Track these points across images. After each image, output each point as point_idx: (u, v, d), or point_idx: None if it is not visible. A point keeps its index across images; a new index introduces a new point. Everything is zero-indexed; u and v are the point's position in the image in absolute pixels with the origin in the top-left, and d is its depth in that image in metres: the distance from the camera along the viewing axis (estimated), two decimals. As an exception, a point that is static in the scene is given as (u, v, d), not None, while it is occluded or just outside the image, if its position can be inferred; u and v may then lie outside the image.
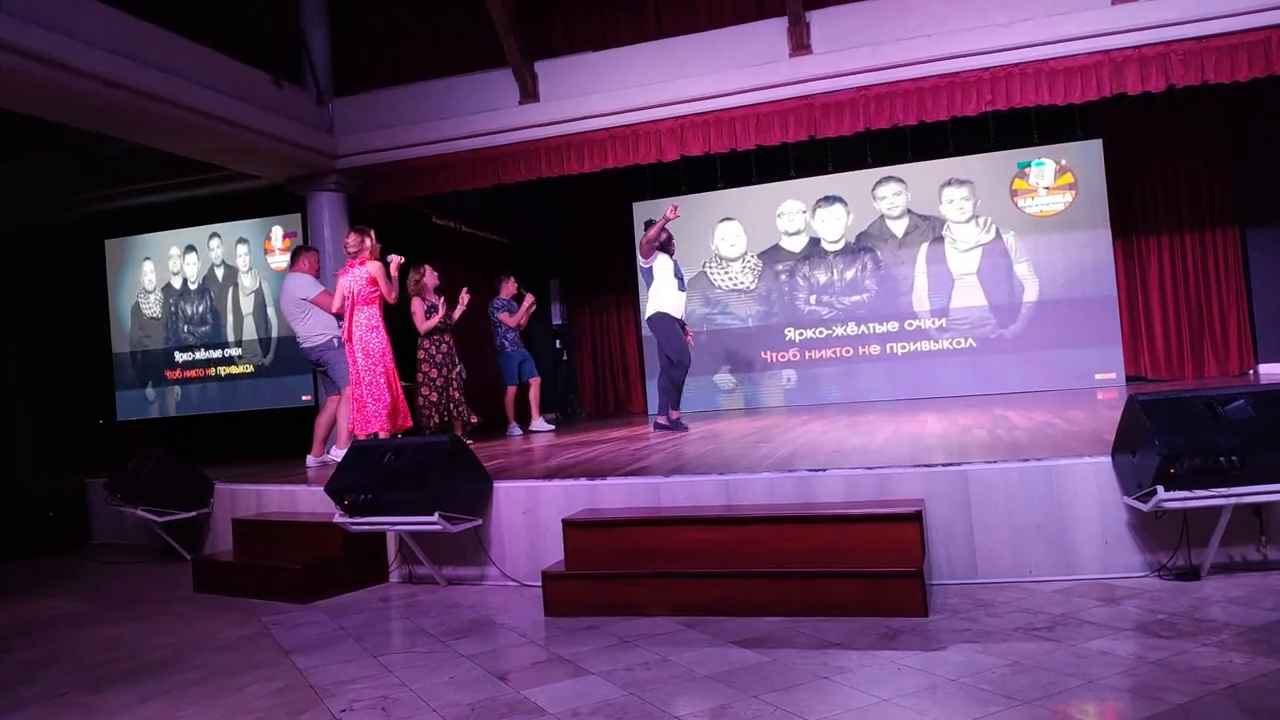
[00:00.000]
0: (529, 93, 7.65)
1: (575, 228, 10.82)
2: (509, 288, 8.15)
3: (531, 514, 4.31)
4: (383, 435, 5.68)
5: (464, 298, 7.33)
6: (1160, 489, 3.28)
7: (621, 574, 3.68)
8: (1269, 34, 6.22)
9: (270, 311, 9.56)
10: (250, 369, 9.58)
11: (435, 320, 7.08)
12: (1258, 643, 2.71)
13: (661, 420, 6.94)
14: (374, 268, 5.77)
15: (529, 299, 8.11)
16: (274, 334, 9.51)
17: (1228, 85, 6.53)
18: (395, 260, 5.94)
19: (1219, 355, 9.05)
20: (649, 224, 6.76)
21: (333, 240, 7.96)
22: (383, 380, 5.78)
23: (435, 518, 4.13)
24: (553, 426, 8.17)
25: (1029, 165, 9.26)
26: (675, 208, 6.51)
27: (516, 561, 4.34)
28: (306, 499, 5.16)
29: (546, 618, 3.69)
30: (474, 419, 7.32)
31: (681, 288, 6.77)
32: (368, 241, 5.88)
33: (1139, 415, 3.39)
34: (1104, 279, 9.02)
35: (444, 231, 9.17)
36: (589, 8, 7.97)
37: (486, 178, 7.81)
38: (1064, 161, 9.15)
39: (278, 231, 9.56)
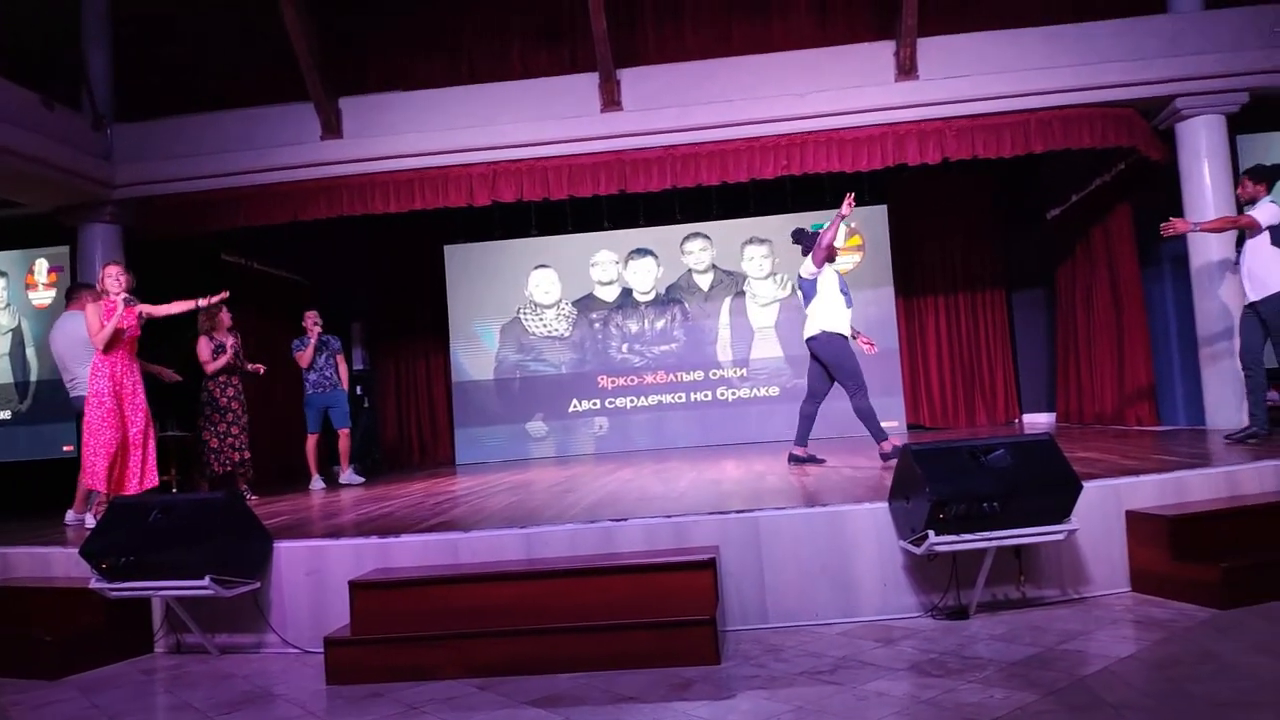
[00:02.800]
0: (332, 128, 7.39)
1: (383, 269, 10.49)
2: (311, 326, 7.71)
3: (316, 575, 4.03)
4: (103, 495, 5.19)
5: (255, 368, 6.94)
6: (931, 533, 3.49)
7: (412, 636, 3.49)
8: (1029, 117, 6.96)
9: (30, 353, 8.62)
10: (5, 415, 8.57)
11: (223, 361, 6.65)
12: (1016, 677, 2.90)
13: (887, 449, 5.82)
14: (89, 310, 5.27)
15: (313, 334, 7.55)
16: (33, 377, 8.57)
17: (995, 160, 7.22)
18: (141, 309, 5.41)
19: (988, 406, 9.90)
20: (800, 233, 6.00)
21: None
22: (104, 434, 5.25)
23: (206, 581, 3.79)
24: (363, 479, 7.73)
25: (821, 227, 9.83)
26: (851, 197, 5.67)
27: (299, 627, 4.03)
28: (62, 562, 4.61)
29: (329, 686, 3.44)
30: (251, 472, 6.92)
31: (849, 304, 5.87)
32: (107, 284, 5.38)
33: (912, 463, 3.60)
34: (887, 333, 9.69)
35: (235, 269, 8.62)
36: (401, 48, 7.83)
37: (282, 213, 7.43)
38: (853, 224, 9.82)
39: (42, 265, 8.68)
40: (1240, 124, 7.05)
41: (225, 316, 6.84)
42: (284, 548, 4.09)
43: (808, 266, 5.80)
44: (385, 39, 7.84)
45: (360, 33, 7.84)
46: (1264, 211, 5.34)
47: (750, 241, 9.98)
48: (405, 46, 7.81)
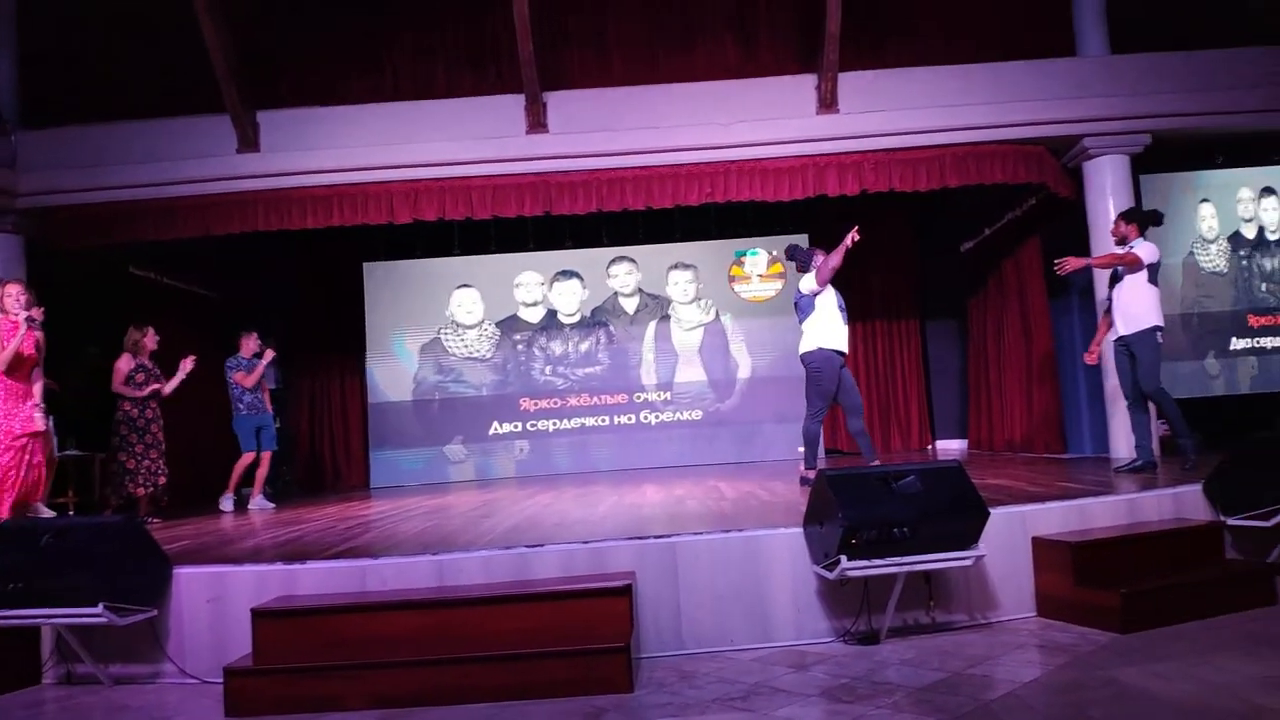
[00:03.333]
0: (248, 142, 7.19)
1: (299, 286, 10.23)
2: (249, 344, 7.48)
3: (218, 603, 3.87)
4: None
5: (186, 364, 6.79)
6: (844, 558, 3.53)
7: (316, 666, 3.37)
8: (944, 152, 7.18)
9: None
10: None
11: (149, 390, 6.55)
12: (924, 702, 2.94)
13: (810, 475, 5.69)
14: None
15: (268, 355, 7.47)
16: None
17: (912, 193, 7.42)
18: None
19: (903, 432, 10.14)
20: (796, 249, 5.94)
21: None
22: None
23: (100, 609, 3.60)
24: (274, 505, 7.49)
25: (745, 254, 10.02)
26: (857, 229, 5.68)
27: (198, 656, 3.86)
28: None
29: (228, 718, 3.30)
30: (164, 499, 6.69)
31: (845, 320, 5.82)
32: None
33: (826, 489, 3.65)
34: (809, 360, 9.85)
35: (143, 284, 8.30)
36: (323, 63, 7.67)
37: (194, 227, 7.19)
38: (775, 252, 9.99)
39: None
40: (1144, 164, 7.40)
41: (151, 338, 6.70)
42: (184, 574, 3.92)
43: (808, 283, 5.73)
44: (307, 54, 7.68)
45: (281, 47, 7.67)
46: (1144, 250, 5.59)
47: (675, 266, 10.06)
48: (328, 62, 7.67)
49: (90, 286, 7.82)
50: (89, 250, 7.43)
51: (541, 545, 3.94)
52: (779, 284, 9.99)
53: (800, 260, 5.93)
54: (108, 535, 3.72)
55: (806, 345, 5.72)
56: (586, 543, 3.92)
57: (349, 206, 7.20)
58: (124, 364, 6.56)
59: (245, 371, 7.36)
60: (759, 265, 10.03)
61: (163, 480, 6.64)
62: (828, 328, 5.67)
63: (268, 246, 8.90)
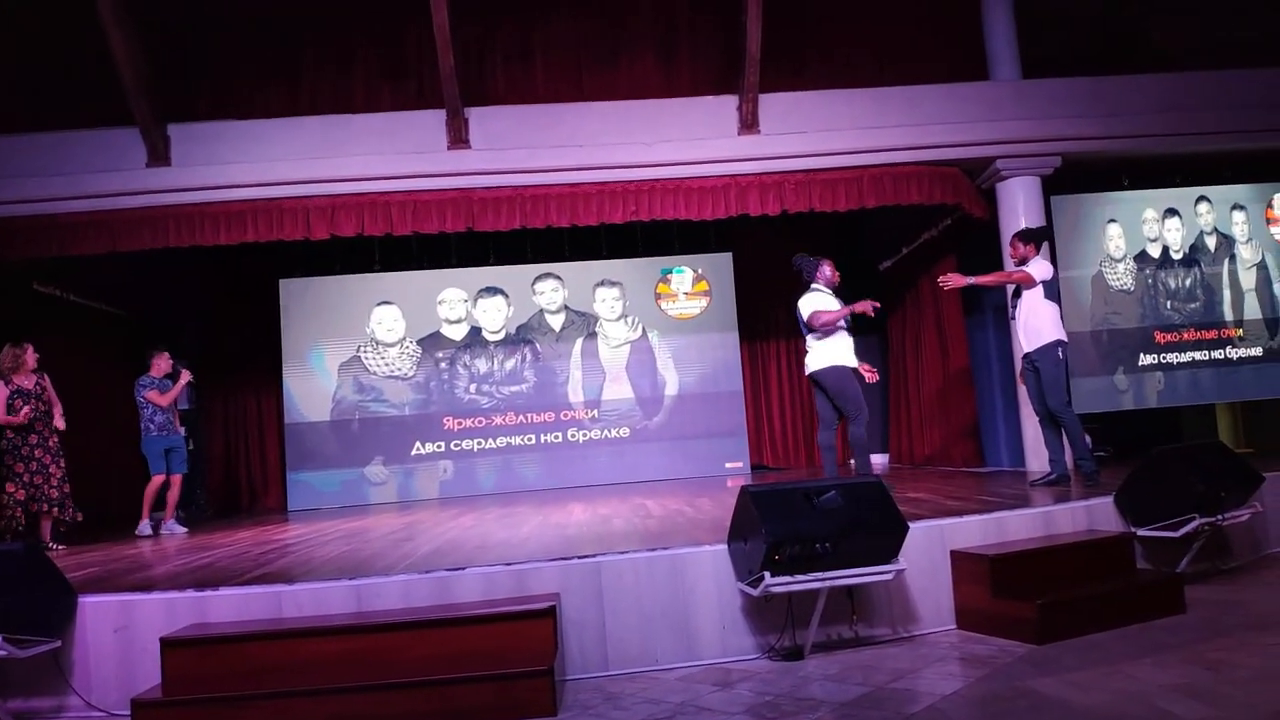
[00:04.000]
0: (159, 155, 6.97)
1: (212, 303, 9.93)
2: (161, 364, 7.21)
3: (125, 632, 3.71)
4: None
5: (58, 422, 6.48)
6: (767, 574, 3.57)
7: (229, 696, 3.25)
8: (862, 173, 7.37)
9: None
10: None
11: (24, 416, 6.24)
12: (848, 717, 2.99)
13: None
14: None
15: (185, 375, 7.21)
16: None
17: (831, 213, 7.58)
18: None
19: (827, 447, 10.30)
20: (803, 260, 6.06)
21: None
22: None
23: (-4, 641, 3.43)
24: (186, 529, 7.22)
25: (671, 272, 10.10)
26: (874, 306, 5.68)
27: (105, 688, 3.70)
28: None
29: (131, 757, 3.16)
30: (78, 516, 6.40)
31: (848, 329, 5.87)
32: None
33: (749, 505, 3.68)
34: (733, 376, 9.97)
35: (49, 301, 7.96)
36: (238, 76, 7.50)
37: (101, 243, 6.92)
38: (700, 270, 10.09)
39: None
40: (1054, 185, 7.71)
41: (30, 356, 6.37)
42: (89, 603, 3.75)
43: (811, 311, 5.78)
44: (222, 67, 7.50)
45: (195, 59, 7.47)
46: (1038, 268, 5.77)
47: (602, 284, 10.08)
48: (242, 75, 7.50)
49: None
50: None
51: (463, 568, 3.88)
52: (704, 301, 10.09)
53: (806, 270, 5.99)
54: (6, 564, 3.54)
55: (819, 362, 5.76)
56: (510, 564, 3.88)
57: (264, 222, 7.03)
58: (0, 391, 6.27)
59: (159, 391, 7.10)
60: (685, 283, 10.12)
61: (57, 509, 6.32)
62: (835, 344, 5.75)
63: (181, 262, 8.63)
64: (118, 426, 7.80)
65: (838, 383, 5.69)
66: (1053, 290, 5.81)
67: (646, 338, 10.02)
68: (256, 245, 7.27)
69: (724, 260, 10.12)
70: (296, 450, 9.64)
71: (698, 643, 3.81)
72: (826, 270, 5.96)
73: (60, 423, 6.45)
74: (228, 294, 9.92)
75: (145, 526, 7.00)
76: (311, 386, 9.73)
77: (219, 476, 9.83)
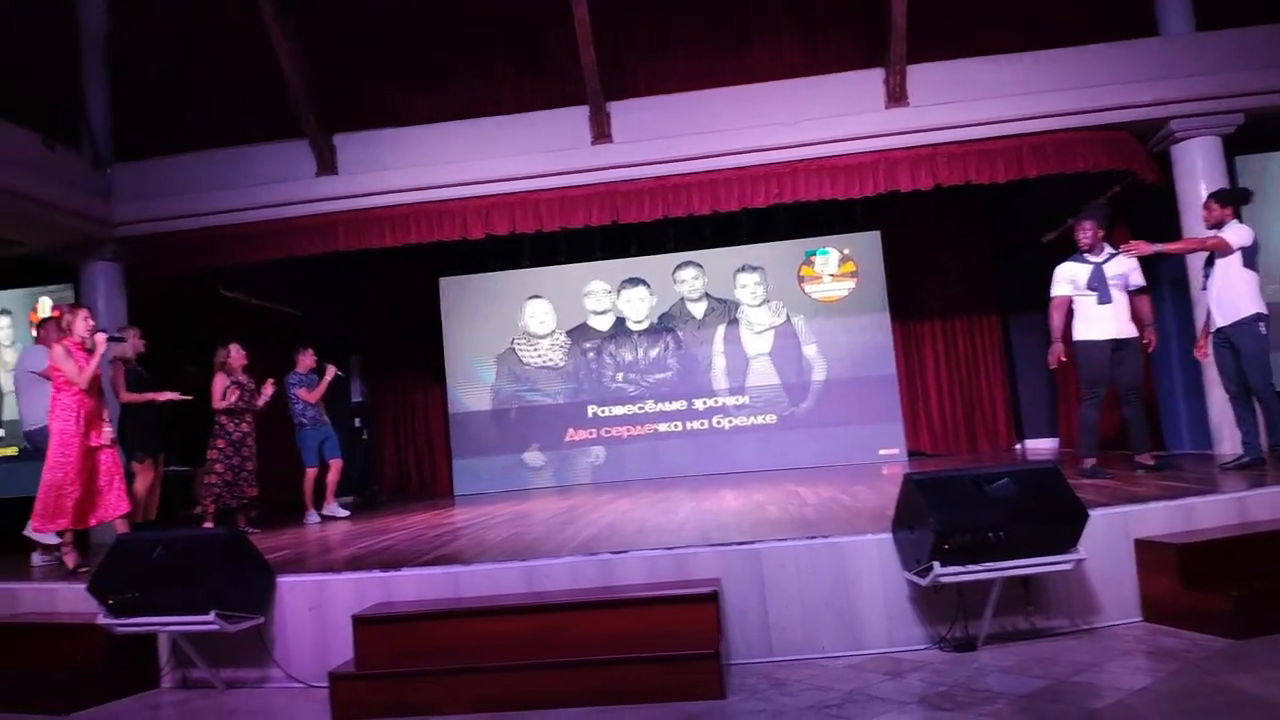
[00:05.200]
0: (326, 165, 7.42)
1: (379, 302, 10.50)
2: (306, 360, 7.73)
3: (319, 610, 4.00)
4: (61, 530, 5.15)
5: (267, 389, 7.05)
6: (936, 564, 3.47)
7: (415, 672, 3.46)
8: (1021, 141, 7.01)
9: (36, 390, 8.58)
10: (13, 451, 8.50)
11: (231, 400, 6.79)
12: (1027, 710, 2.87)
13: (1089, 464, 5.60)
14: (56, 353, 5.24)
15: (330, 371, 7.71)
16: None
17: (989, 185, 7.26)
18: (100, 338, 5.34)
19: (989, 431, 9.89)
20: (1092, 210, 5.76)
21: (108, 314, 7.37)
22: (70, 470, 5.21)
23: (211, 616, 3.78)
24: (348, 512, 7.72)
25: (815, 254, 9.91)
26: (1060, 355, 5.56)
27: (302, 661, 4.00)
28: (68, 598, 4.58)
29: (332, 725, 3.40)
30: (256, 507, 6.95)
31: (1104, 299, 5.46)
32: (70, 320, 5.38)
33: (914, 494, 3.59)
34: (884, 359, 9.69)
35: (234, 305, 8.63)
36: (392, 84, 7.89)
37: (277, 250, 7.45)
38: (847, 250, 9.85)
39: (45, 303, 8.63)
40: (1238, 145, 7.08)
41: (238, 356, 6.95)
42: (286, 582, 4.07)
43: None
44: (376, 75, 7.90)
45: (351, 70, 7.90)
46: (1234, 233, 5.26)
47: (743, 269, 10.00)
48: (396, 82, 7.88)
49: (185, 309, 8.16)
50: (179, 275, 7.76)
51: (625, 551, 3.97)
52: (852, 282, 9.84)
53: (1087, 221, 5.63)
54: (214, 547, 3.88)
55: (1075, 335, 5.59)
56: (670, 549, 3.94)
57: (424, 223, 7.37)
58: (217, 383, 6.83)
59: (307, 387, 7.58)
60: (830, 264, 9.90)
61: (250, 492, 6.86)
62: (1082, 316, 5.54)
63: (349, 265, 9.15)
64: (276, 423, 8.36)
65: (1082, 359, 5.51)
66: (1252, 257, 5.29)
67: (790, 323, 9.87)
68: (418, 246, 7.62)
69: (872, 239, 9.84)
70: (460, 438, 10.07)
71: (863, 632, 3.75)
72: (1088, 230, 5.57)
73: (262, 401, 7.01)
74: (392, 293, 10.45)
75: (313, 516, 7.50)
76: (471, 378, 10.14)
77: (391, 464, 10.43)
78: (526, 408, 10.09)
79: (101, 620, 3.92)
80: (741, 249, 9.97)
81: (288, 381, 7.57)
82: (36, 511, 5.12)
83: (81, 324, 5.33)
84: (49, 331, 5.93)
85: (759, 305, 9.94)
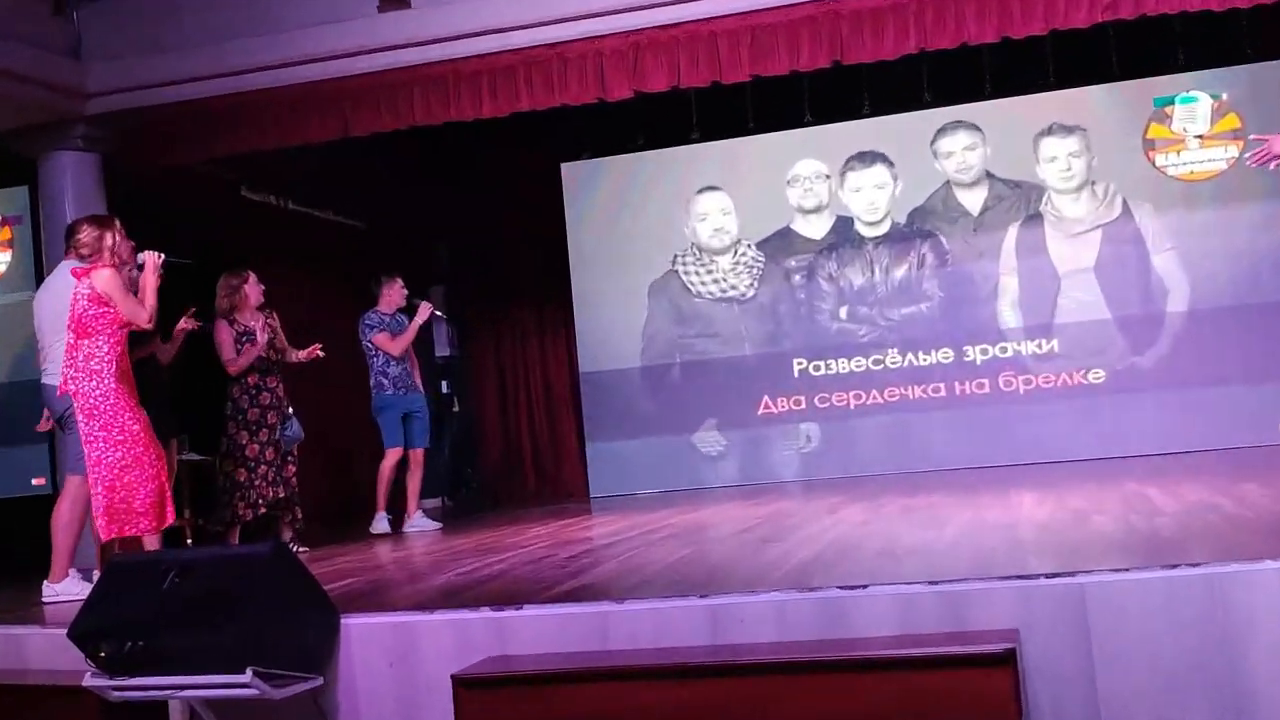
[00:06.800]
0: (392, -5, 7.63)
1: (470, 206, 10.83)
2: (393, 295, 8.11)
3: (404, 665, 4.21)
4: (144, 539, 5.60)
5: (311, 352, 7.46)
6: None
7: (546, 760, 3.61)
8: None
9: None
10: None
11: (251, 356, 7.09)
12: None
13: None
14: (105, 279, 5.61)
15: (424, 309, 8.04)
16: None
17: None
18: (151, 258, 5.78)
19: None
20: None
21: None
22: (121, 456, 5.63)
23: (248, 676, 3.98)
24: (439, 524, 8.06)
25: (1171, 102, 9.47)
26: None
27: (380, 741, 4.25)
28: (41, 649, 5.00)
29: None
30: (299, 515, 7.37)
31: None
32: (109, 239, 5.79)
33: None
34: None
35: (263, 212, 9.08)
36: None
37: (327, 127, 7.71)
38: (1226, 96, 9.35)
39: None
40: None
41: (253, 290, 7.27)
42: (355, 625, 4.28)
43: None
44: None
45: None
46: None
47: (1050, 132, 9.67)
48: None
49: (194, 218, 8.61)
50: (183, 169, 8.20)
51: (864, 586, 3.98)
52: (1234, 149, 9.33)
53: None
54: (252, 572, 4.11)
55: None
56: (935, 583, 3.92)
57: (539, 81, 7.45)
58: (223, 335, 7.16)
59: (390, 333, 7.88)
60: (1198, 119, 9.42)
61: (278, 493, 7.22)
62: None
63: (428, 149, 9.42)
64: (353, 381, 8.74)
65: None
66: None
67: (1130, 216, 9.51)
68: (531, 115, 7.74)
69: (1271, 76, 9.24)
70: (598, 411, 10.36)
71: (1258, 712, 3.64)
72: None
73: (296, 356, 7.41)
74: (490, 194, 10.77)
75: (381, 521, 7.87)
76: (612, 318, 10.37)
77: (495, 450, 10.86)
78: (697, 362, 10.22)
79: (90, 681, 4.09)
80: (1048, 98, 9.62)
81: (363, 325, 7.93)
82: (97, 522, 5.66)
83: (120, 239, 5.80)
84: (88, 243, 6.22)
85: (1077, 190, 9.62)
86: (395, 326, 8.05)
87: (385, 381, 7.97)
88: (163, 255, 5.84)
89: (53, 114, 7.82)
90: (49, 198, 7.98)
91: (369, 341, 7.98)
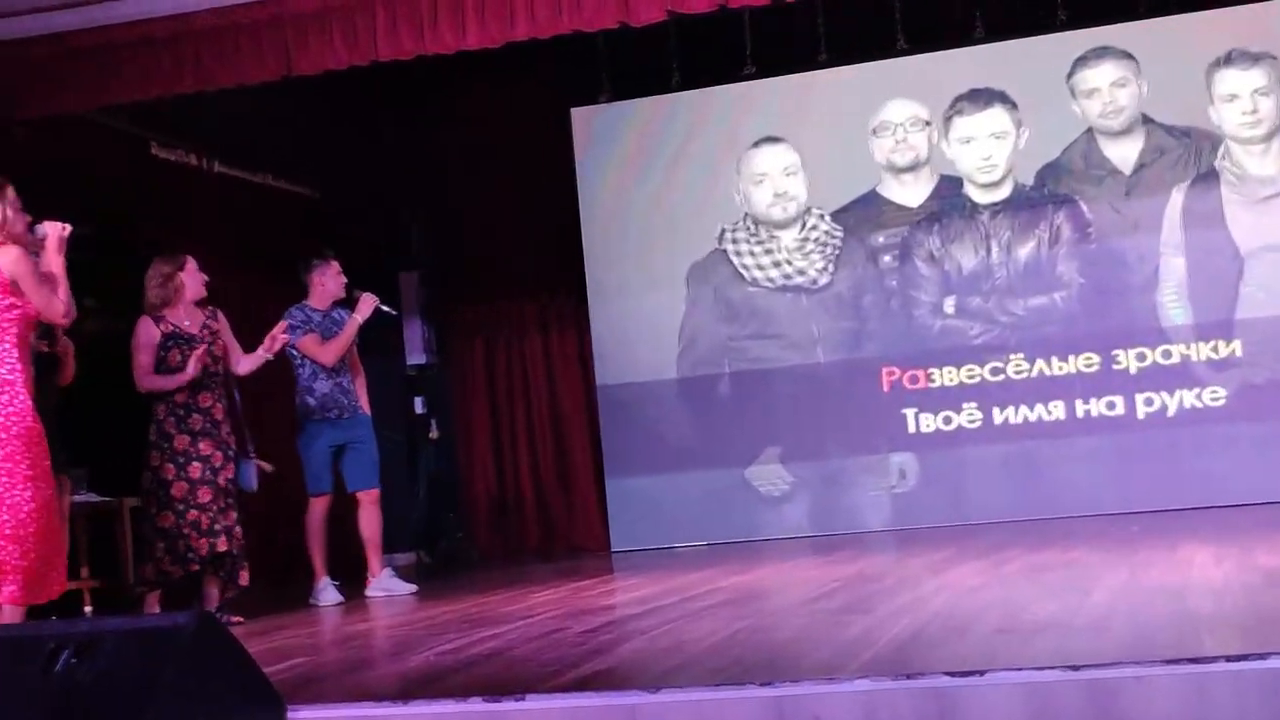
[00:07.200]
0: None
1: (456, 167, 10.88)
2: (325, 282, 8.09)
3: (367, 776, 4.25)
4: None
5: (275, 338, 7.46)
6: None
7: None
8: None
9: None
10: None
11: (190, 374, 7.09)
12: None
13: None
14: (13, 259, 5.66)
15: (366, 302, 8.02)
16: None
17: None
18: (53, 230, 5.78)
19: None
20: None
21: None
22: (32, 499, 5.66)
23: (167, 796, 4.05)
24: (413, 586, 8.07)
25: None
26: None
27: None
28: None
29: None
30: (245, 573, 7.34)
31: None
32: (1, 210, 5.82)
33: None
34: None
35: (178, 173, 9.13)
36: None
37: (264, 66, 7.74)
38: None
39: None
40: None
41: (191, 280, 7.31)
42: (304, 720, 4.32)
43: None
44: None
45: None
46: None
47: (1229, 60, 9.64)
48: None
49: (91, 183, 8.67)
50: (75, 118, 8.26)
51: (980, 673, 3.98)
52: None
53: None
54: (171, 651, 4.13)
55: None
56: (1073, 668, 3.92)
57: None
58: (144, 333, 7.17)
59: (321, 336, 7.89)
60: None
61: (215, 545, 7.15)
62: None
63: (401, 95, 9.46)
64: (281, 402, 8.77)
65: None
66: None
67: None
68: (531, 45, 7.77)
69: None
70: (620, 437, 10.38)
71: None
72: None
73: (241, 366, 7.42)
74: (478, 151, 10.79)
75: (327, 590, 7.86)
76: (639, 314, 10.41)
77: (485, 489, 10.87)
78: (752, 372, 10.24)
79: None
80: (1224, 15, 9.57)
81: (289, 322, 7.89)
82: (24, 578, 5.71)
83: (13, 211, 5.82)
84: None
85: (1265, 139, 9.58)
86: (328, 327, 8.02)
87: (311, 402, 7.94)
88: (68, 227, 5.82)
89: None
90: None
91: (291, 347, 7.89)
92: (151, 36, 7.91)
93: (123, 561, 8.38)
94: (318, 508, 7.96)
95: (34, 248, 5.78)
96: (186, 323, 7.27)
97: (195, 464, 7.16)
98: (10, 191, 5.81)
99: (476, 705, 4.23)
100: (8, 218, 5.75)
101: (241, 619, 7.15)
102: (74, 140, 8.55)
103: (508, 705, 4.20)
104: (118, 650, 4.20)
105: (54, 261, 5.75)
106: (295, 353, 7.94)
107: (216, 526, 7.18)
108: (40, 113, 8.20)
